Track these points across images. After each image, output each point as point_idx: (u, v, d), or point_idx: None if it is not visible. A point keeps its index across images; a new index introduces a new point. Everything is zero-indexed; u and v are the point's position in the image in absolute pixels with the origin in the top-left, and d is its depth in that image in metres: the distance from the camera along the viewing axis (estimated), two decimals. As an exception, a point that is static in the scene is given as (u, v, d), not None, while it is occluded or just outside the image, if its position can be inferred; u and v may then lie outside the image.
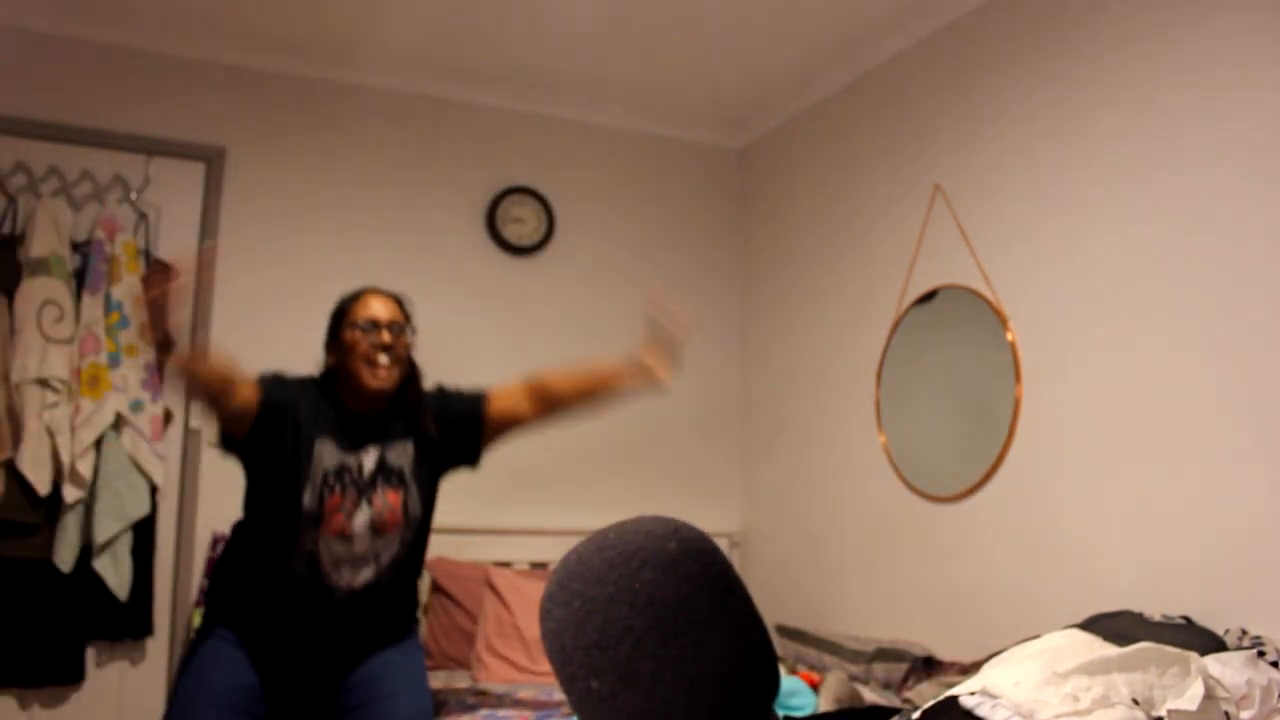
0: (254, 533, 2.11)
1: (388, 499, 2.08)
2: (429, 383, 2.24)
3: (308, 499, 2.01)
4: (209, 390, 1.98)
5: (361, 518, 2.05)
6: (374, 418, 2.11)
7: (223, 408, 1.99)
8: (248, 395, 2.00)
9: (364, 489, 2.05)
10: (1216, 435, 2.08)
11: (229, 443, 2.07)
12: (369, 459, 2.08)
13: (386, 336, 2.07)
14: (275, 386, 2.07)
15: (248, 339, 3.19)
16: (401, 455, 2.11)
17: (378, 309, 2.11)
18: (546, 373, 2.28)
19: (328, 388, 2.13)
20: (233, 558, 2.15)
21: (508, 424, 2.23)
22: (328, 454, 2.04)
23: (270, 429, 2.03)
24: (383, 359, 2.06)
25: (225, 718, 1.98)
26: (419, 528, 2.15)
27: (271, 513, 2.05)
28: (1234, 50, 2.12)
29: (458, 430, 2.19)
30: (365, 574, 2.07)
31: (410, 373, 2.17)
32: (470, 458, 2.24)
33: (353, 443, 2.07)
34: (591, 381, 2.26)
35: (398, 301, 2.18)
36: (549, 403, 2.24)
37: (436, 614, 3.16)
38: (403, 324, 2.13)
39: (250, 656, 2.04)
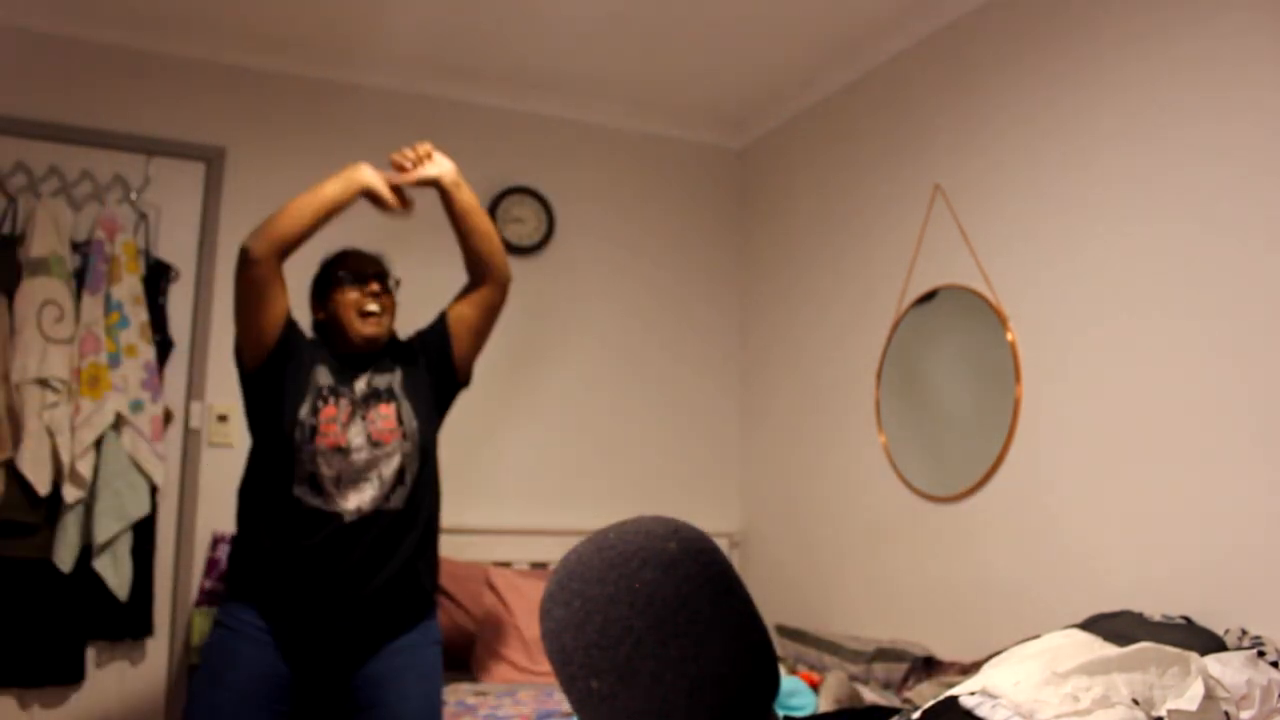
0: (256, 473, 2.15)
1: (380, 411, 2.14)
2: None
3: (304, 411, 2.08)
4: (292, 245, 2.12)
5: (356, 429, 2.09)
6: (363, 358, 2.20)
7: (274, 297, 2.11)
8: (286, 305, 2.14)
9: (357, 406, 2.12)
10: (1216, 435, 2.08)
11: (241, 368, 2.16)
12: (360, 384, 2.16)
13: (376, 286, 2.20)
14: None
15: (248, 339, 3.20)
16: (391, 379, 2.20)
17: (363, 263, 2.23)
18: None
19: (320, 341, 2.24)
20: (243, 518, 2.18)
21: (469, 309, 2.31)
22: (323, 376, 2.14)
23: (283, 353, 2.13)
24: (373, 307, 2.18)
25: (242, 707, 1.99)
26: (420, 447, 2.16)
27: (271, 434, 2.11)
28: (1234, 50, 2.12)
29: (436, 349, 2.29)
30: (369, 492, 2.08)
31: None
32: (457, 371, 2.32)
33: (347, 374, 2.17)
34: (454, 226, 2.30)
35: (376, 258, 2.28)
36: (469, 262, 2.32)
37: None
38: (387, 275, 2.25)
39: (268, 637, 2.04)
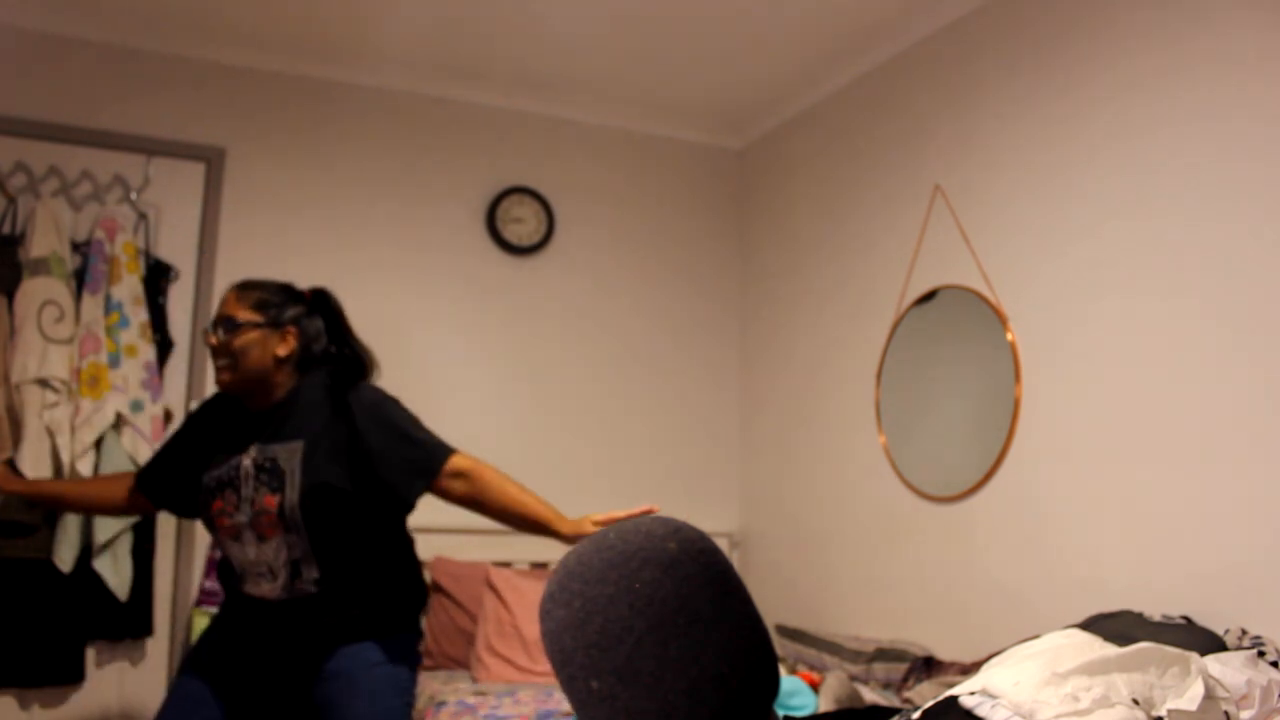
0: None
1: (264, 502, 1.96)
2: (387, 386, 2.16)
3: (201, 505, 2.06)
4: (82, 510, 2.33)
5: (242, 518, 1.98)
6: (264, 415, 2.05)
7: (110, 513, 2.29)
8: (128, 498, 2.23)
9: (240, 488, 1.99)
10: (1217, 435, 2.08)
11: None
12: (248, 458, 2.01)
13: (212, 338, 2.05)
14: (162, 458, 2.22)
15: (248, 339, 3.20)
16: (288, 456, 1.98)
17: (219, 307, 2.08)
18: (489, 478, 2.09)
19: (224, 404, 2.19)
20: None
21: (438, 494, 2.09)
22: (216, 464, 2.05)
23: (168, 477, 2.18)
24: (215, 360, 2.05)
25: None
26: (313, 535, 1.95)
27: None
28: (1235, 48, 2.12)
29: (401, 471, 2.03)
30: (265, 584, 1.98)
31: (315, 365, 2.09)
32: (405, 503, 2.08)
33: (238, 444, 2.04)
34: (522, 515, 2.09)
35: (242, 290, 2.08)
36: (474, 504, 2.09)
37: (436, 614, 3.16)
38: (240, 319, 2.02)
39: (221, 670, 2.03)
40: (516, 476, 3.67)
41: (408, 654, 2.08)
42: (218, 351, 2.04)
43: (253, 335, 2.03)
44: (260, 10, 3.08)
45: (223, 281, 3.22)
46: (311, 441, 1.99)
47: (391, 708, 2.01)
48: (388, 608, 2.07)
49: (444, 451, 2.07)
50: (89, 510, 2.48)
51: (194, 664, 2.07)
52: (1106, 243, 2.38)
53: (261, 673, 2.04)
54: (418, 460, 2.04)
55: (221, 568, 2.11)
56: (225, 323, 2.04)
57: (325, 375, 2.09)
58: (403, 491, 2.04)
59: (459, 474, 2.06)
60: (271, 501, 1.95)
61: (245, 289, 2.09)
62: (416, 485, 2.04)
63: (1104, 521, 2.33)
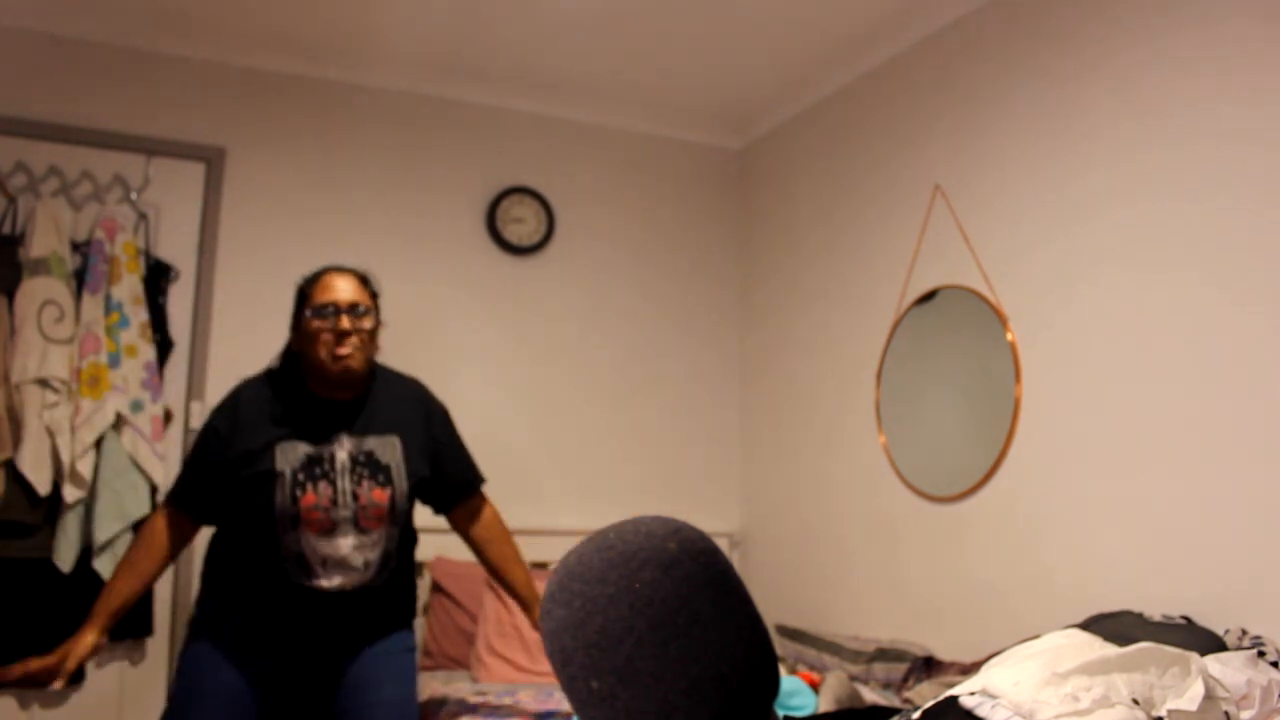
0: (236, 540, 2.08)
1: (373, 496, 2.00)
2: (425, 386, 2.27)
3: (279, 499, 1.96)
4: (160, 572, 2.08)
5: (344, 513, 1.97)
6: (346, 405, 2.05)
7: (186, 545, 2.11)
8: (184, 529, 2.07)
9: (341, 480, 1.98)
10: (1217, 434, 2.08)
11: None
12: (341, 450, 2.00)
13: (346, 322, 1.99)
14: (195, 468, 2.06)
15: (248, 339, 3.19)
16: (388, 450, 2.04)
17: (338, 291, 2.02)
18: (494, 535, 2.27)
19: (292, 373, 2.08)
20: (214, 573, 2.12)
21: (456, 514, 2.28)
22: (290, 452, 1.98)
23: (220, 488, 2.03)
24: (343, 347, 1.99)
25: (221, 712, 2.00)
26: (404, 524, 2.10)
27: (250, 522, 2.01)
28: (1236, 49, 2.12)
29: (454, 478, 2.22)
30: (356, 576, 2.03)
31: (375, 367, 2.14)
32: (438, 507, 2.26)
33: (321, 433, 2.01)
34: (502, 577, 2.28)
35: (361, 279, 2.08)
36: (473, 546, 2.29)
37: (436, 614, 3.16)
38: (366, 305, 2.05)
39: (239, 656, 2.04)
40: (517, 477, 3.70)
41: (412, 646, 2.23)
42: (348, 335, 1.99)
43: (375, 321, 2.08)
44: (260, 10, 3.08)
45: (223, 281, 3.22)
46: (407, 436, 2.08)
47: (411, 692, 2.16)
48: (412, 602, 2.23)
49: (480, 475, 2.28)
50: (153, 579, 2.14)
51: (205, 640, 2.07)
52: (1107, 242, 2.38)
53: (298, 660, 2.07)
54: (466, 473, 2.24)
55: (276, 562, 1.99)
56: (355, 308, 2.02)
57: (386, 371, 2.17)
58: (448, 496, 2.22)
59: (483, 506, 2.28)
60: (382, 495, 2.01)
61: (360, 278, 2.09)
62: (459, 495, 2.23)
63: (1104, 521, 2.33)
